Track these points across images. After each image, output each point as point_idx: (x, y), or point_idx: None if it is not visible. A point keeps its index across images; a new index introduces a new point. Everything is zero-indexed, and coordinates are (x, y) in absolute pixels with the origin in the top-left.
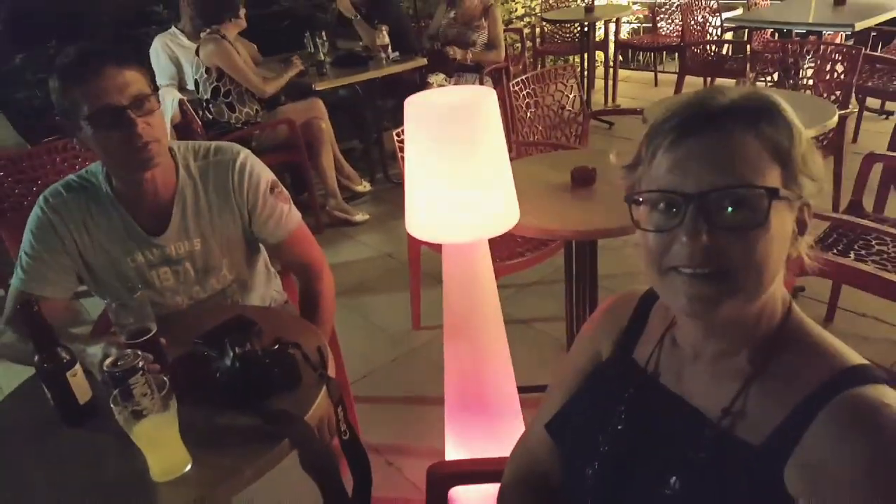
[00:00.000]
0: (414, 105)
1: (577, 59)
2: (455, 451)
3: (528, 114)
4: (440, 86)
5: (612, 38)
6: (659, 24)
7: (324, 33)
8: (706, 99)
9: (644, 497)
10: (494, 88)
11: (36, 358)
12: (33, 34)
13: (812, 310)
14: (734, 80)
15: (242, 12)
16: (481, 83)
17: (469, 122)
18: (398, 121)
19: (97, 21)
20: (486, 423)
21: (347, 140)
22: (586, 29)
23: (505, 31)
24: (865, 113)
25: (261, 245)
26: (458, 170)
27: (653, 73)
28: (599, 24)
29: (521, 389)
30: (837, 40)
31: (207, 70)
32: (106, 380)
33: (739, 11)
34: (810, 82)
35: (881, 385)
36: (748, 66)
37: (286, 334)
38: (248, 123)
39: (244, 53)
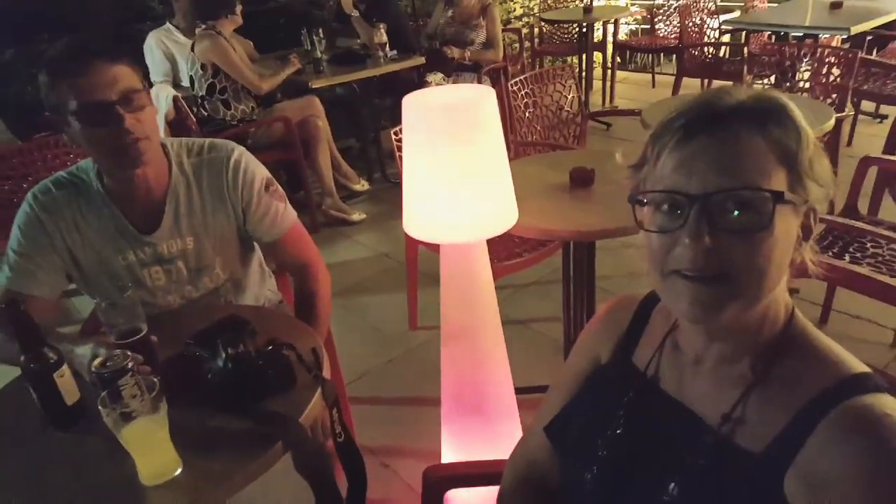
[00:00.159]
0: (412, 104)
1: (576, 60)
2: (451, 452)
3: (527, 114)
4: (438, 85)
5: (610, 39)
6: (657, 26)
7: (321, 30)
8: (713, 99)
9: (643, 502)
10: (492, 88)
11: (22, 358)
12: (25, 29)
13: (806, 311)
14: (731, 83)
15: (238, 8)
16: (479, 83)
17: (468, 122)
18: (396, 119)
19: (90, 16)
20: (482, 424)
21: (345, 138)
22: (584, 30)
23: (503, 30)
24: (860, 116)
25: (255, 244)
26: (457, 169)
27: (650, 75)
28: (598, 25)
29: (518, 390)
30: (834, 43)
31: (203, 66)
32: (94, 381)
33: (737, 14)
34: (807, 85)
35: (883, 394)
36: (745, 68)
37: (280, 335)
38: (244, 121)
39: (240, 50)
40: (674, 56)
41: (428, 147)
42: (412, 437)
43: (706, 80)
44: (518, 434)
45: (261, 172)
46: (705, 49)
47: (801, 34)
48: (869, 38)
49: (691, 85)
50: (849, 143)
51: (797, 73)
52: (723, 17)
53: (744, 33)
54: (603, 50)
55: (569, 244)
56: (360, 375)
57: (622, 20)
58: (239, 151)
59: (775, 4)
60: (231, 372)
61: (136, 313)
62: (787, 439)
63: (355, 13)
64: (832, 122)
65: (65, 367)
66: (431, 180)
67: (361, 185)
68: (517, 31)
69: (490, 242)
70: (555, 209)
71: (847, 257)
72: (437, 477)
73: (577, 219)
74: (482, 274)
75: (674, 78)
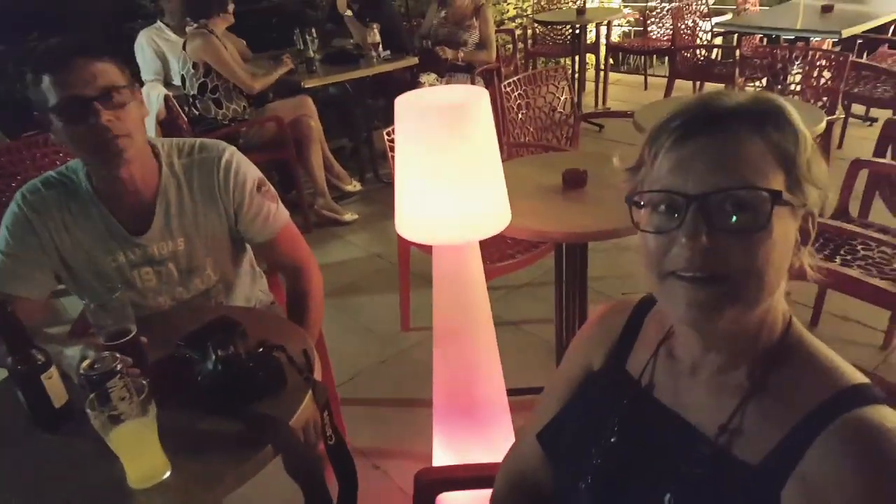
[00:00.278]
0: (405, 104)
1: (569, 62)
2: (443, 454)
3: (520, 115)
4: (431, 85)
5: (603, 41)
6: (649, 28)
7: (314, 30)
8: (711, 100)
9: None
10: (485, 89)
11: (9, 360)
12: (15, 26)
13: (797, 314)
14: (723, 85)
15: (231, 7)
16: (472, 83)
17: (461, 123)
18: (389, 120)
19: (82, 13)
20: (474, 425)
21: (337, 138)
22: (578, 31)
23: (496, 31)
24: (850, 119)
25: (246, 244)
26: (450, 170)
27: (643, 77)
28: (591, 27)
29: (510, 392)
30: (825, 47)
31: (194, 65)
32: (83, 383)
33: (729, 17)
34: (798, 88)
35: (881, 405)
36: (737, 70)
37: (271, 336)
38: (236, 120)
39: (232, 49)
40: (666, 58)
41: (421, 148)
42: (404, 438)
43: (698, 83)
44: (510, 436)
45: (252, 172)
46: (697, 51)
47: (793, 37)
48: (859, 41)
49: (684, 87)
50: (839, 146)
51: (788, 76)
52: (715, 20)
53: (736, 36)
54: (596, 52)
55: (561, 246)
56: (351, 376)
57: (615, 22)
58: (230, 152)
59: (767, 7)
60: (221, 374)
61: (125, 315)
62: (785, 451)
63: (349, 13)
64: (823, 124)
65: (53, 368)
66: (424, 181)
67: (353, 186)
68: (510, 31)
69: (483, 244)
70: (547, 210)
71: (838, 259)
72: (428, 480)
73: (570, 220)
74: (475, 275)
75: (666, 80)
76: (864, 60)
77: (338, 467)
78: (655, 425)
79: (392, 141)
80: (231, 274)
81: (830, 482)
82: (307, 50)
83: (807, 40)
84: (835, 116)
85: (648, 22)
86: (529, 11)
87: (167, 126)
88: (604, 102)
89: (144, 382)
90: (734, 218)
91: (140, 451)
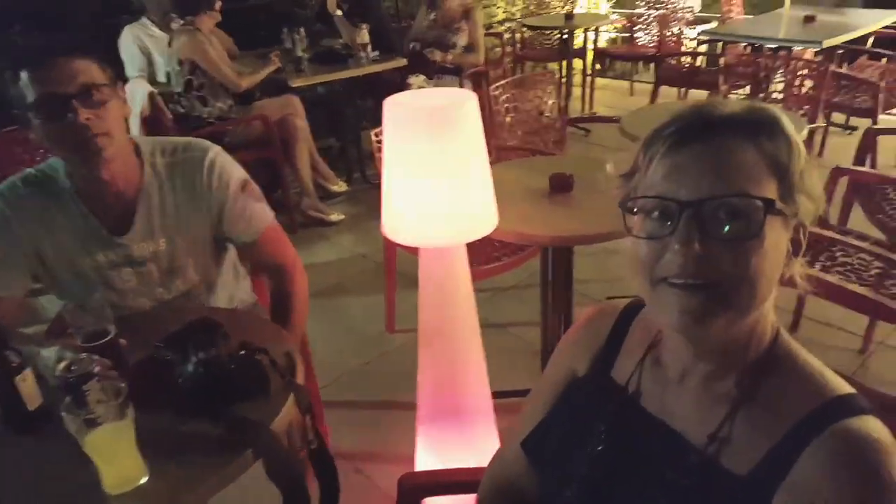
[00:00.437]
0: (393, 105)
1: (556, 66)
2: (427, 457)
3: (508, 118)
4: (420, 87)
5: (590, 46)
6: (636, 35)
7: (302, 29)
8: (706, 108)
9: None
10: (473, 92)
11: None
12: None
13: (778, 318)
14: (707, 92)
15: (217, 4)
16: (461, 86)
17: (449, 125)
18: (377, 120)
19: (67, 8)
20: (459, 428)
21: (324, 139)
22: (566, 36)
23: (485, 35)
24: (831, 128)
25: (229, 245)
26: (437, 172)
27: (629, 83)
28: (578, 32)
29: (495, 394)
30: (806, 56)
31: (180, 62)
32: (59, 385)
33: (714, 25)
34: (780, 96)
35: (868, 416)
36: (721, 78)
37: (253, 338)
38: (221, 118)
39: (219, 46)
40: (652, 65)
41: (408, 149)
42: (387, 441)
43: (683, 89)
44: (495, 439)
45: (237, 173)
46: (683, 58)
47: (776, 46)
48: (840, 51)
49: (669, 93)
50: (820, 154)
51: (771, 85)
52: (700, 28)
53: (720, 44)
54: (583, 57)
55: (547, 249)
56: (335, 378)
57: (602, 28)
58: (214, 151)
59: (751, 17)
60: (202, 376)
61: (104, 315)
62: (773, 462)
63: (338, 13)
64: (805, 132)
65: (27, 370)
66: (411, 183)
67: (339, 186)
68: (499, 35)
69: (469, 246)
70: (534, 214)
71: (818, 266)
72: (412, 485)
73: (557, 224)
74: (461, 277)
75: (652, 86)
76: (844, 70)
77: (319, 471)
78: (642, 433)
79: (380, 142)
80: (213, 275)
81: (819, 493)
82: (295, 49)
83: (789, 49)
84: (816, 125)
85: (635, 28)
86: (518, 15)
87: (151, 123)
88: (590, 107)
89: (122, 385)
90: (727, 226)
91: (116, 456)
